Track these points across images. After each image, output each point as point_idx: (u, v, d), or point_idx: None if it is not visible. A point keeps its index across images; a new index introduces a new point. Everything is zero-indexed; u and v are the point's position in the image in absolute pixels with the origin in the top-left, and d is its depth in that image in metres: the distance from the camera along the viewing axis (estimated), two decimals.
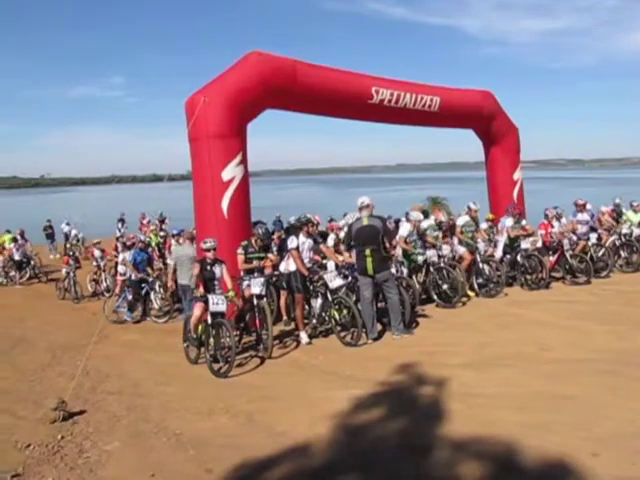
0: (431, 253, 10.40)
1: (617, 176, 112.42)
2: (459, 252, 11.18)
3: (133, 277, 11.21)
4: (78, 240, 20.31)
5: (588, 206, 13.56)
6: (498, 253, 11.55)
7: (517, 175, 15.19)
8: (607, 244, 12.88)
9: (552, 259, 12.17)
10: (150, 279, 11.34)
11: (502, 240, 11.72)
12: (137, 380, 7.07)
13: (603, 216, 13.64)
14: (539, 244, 12.00)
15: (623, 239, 13.21)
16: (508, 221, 11.83)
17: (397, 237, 10.31)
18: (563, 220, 12.61)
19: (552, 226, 12.35)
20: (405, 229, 10.48)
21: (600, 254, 12.63)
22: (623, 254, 13.18)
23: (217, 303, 7.39)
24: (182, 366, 7.65)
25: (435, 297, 10.35)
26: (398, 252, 10.13)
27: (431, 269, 10.41)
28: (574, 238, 12.33)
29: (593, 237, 12.70)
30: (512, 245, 11.65)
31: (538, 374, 6.05)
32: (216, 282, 7.74)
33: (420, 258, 10.33)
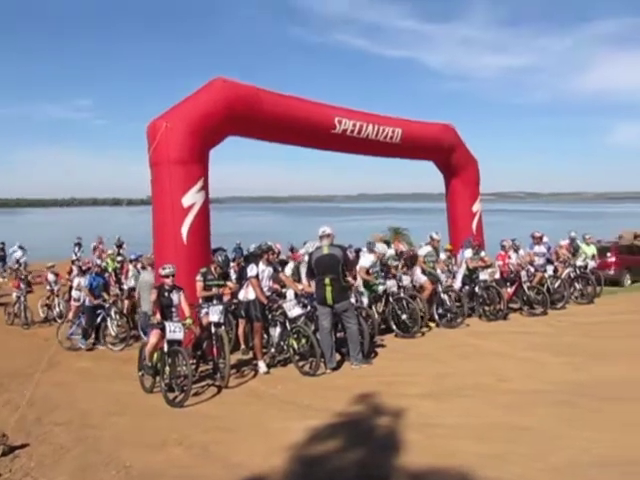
0: (391, 283, 10.45)
1: (572, 210, 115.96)
2: (420, 282, 11.26)
3: (88, 303, 10.92)
4: (20, 264, 19.51)
5: (545, 239, 13.90)
6: (457, 284, 11.71)
7: (476, 207, 15.48)
8: (563, 276, 13.21)
9: (510, 290, 12.39)
10: (106, 305, 11.07)
11: (461, 271, 11.90)
12: (88, 410, 6.81)
13: (561, 249, 14.00)
14: (497, 275, 12.21)
15: (578, 271, 13.59)
16: (467, 252, 12.02)
17: (357, 267, 10.33)
18: (521, 252, 12.88)
19: (509, 257, 12.60)
20: (367, 260, 10.52)
21: (556, 286, 12.95)
22: (578, 286, 13.55)
23: (174, 331, 7.25)
24: (136, 395, 7.43)
25: (394, 327, 10.37)
26: (359, 282, 10.14)
27: (390, 299, 10.43)
28: (531, 270, 12.60)
29: (549, 269, 13.03)
30: (471, 276, 11.83)
31: (496, 405, 6.09)
32: (173, 309, 7.60)
33: (380, 288, 10.38)
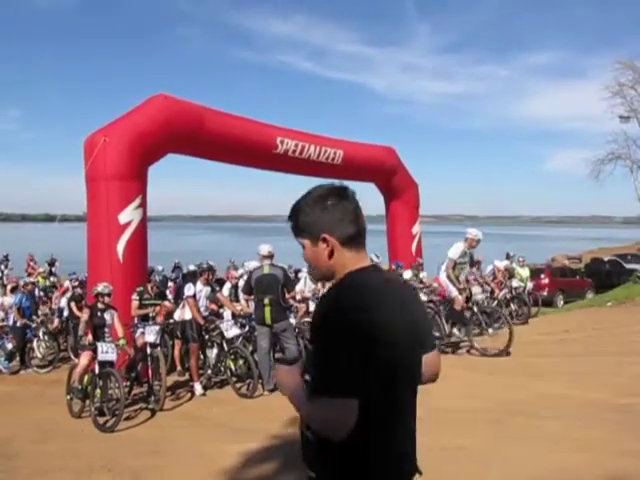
0: None
1: (509, 233, 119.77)
2: None
3: (18, 324, 10.40)
4: None
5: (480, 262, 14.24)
6: None
7: (416, 229, 15.73)
8: (499, 297, 13.56)
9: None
10: (34, 325, 10.59)
11: None
12: (7, 438, 6.38)
13: (499, 272, 14.37)
14: (434, 297, 12.40)
15: (514, 292, 14.01)
16: (406, 273, 12.17)
17: (297, 288, 10.36)
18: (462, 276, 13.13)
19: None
20: (309, 286, 10.69)
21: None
22: (513, 306, 13.94)
23: (106, 351, 7.00)
24: (63, 421, 7.10)
25: None
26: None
27: None
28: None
29: (486, 290, 13.34)
30: None
31: (430, 425, 6.06)
32: (106, 329, 7.35)
33: None
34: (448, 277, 9.58)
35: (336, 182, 1.93)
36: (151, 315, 8.31)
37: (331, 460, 1.66)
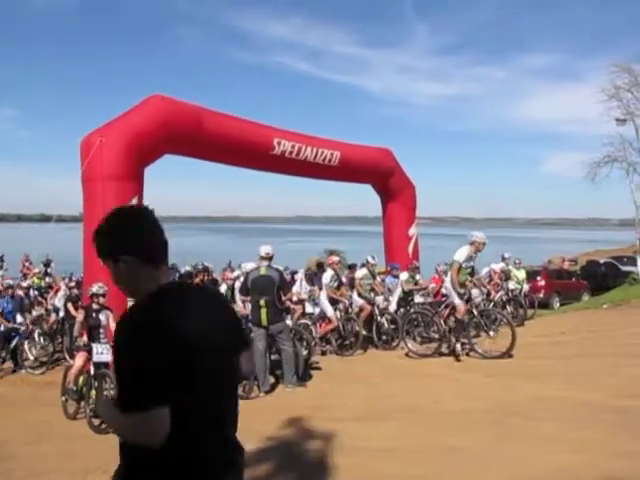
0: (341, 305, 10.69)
1: (504, 235, 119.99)
2: (358, 304, 11.30)
3: (2, 327, 10.30)
4: None
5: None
6: (392, 306, 11.80)
7: (412, 231, 15.72)
8: (495, 299, 13.55)
9: (444, 313, 12.58)
10: (22, 328, 10.48)
11: (397, 293, 12.02)
12: (2, 440, 6.30)
13: (495, 274, 14.37)
14: (431, 298, 12.42)
15: (510, 294, 14.02)
16: (403, 275, 12.17)
17: (293, 290, 10.37)
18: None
19: (443, 281, 12.83)
20: (305, 287, 10.95)
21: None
22: (510, 309, 13.94)
23: (101, 352, 6.97)
24: (58, 423, 7.05)
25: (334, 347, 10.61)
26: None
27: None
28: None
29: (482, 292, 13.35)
30: (406, 299, 11.97)
31: (430, 426, 6.11)
32: (101, 330, 7.32)
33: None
34: (452, 282, 9.39)
35: (134, 203, 2.05)
36: None
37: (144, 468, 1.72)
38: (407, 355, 10.17)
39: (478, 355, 9.49)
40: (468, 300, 9.53)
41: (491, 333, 9.80)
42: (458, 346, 9.34)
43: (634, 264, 25.33)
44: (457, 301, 9.38)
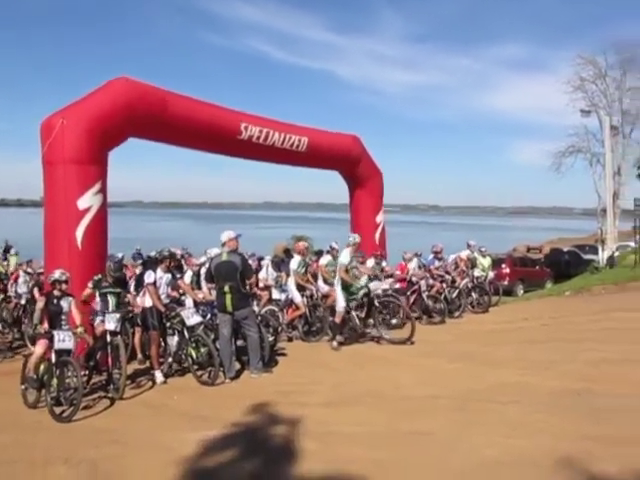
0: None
1: (472, 222, 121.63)
2: (323, 291, 11.28)
3: None
4: None
5: (443, 251, 14.39)
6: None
7: (379, 218, 15.75)
8: (461, 286, 13.72)
9: (409, 300, 12.71)
10: None
11: (363, 280, 12.03)
12: None
13: (461, 262, 14.52)
14: (397, 285, 12.50)
15: (475, 281, 14.20)
16: (369, 262, 12.20)
17: (259, 276, 10.35)
18: (414, 262, 13.25)
19: (409, 268, 12.96)
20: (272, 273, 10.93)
21: (454, 295, 13.43)
22: (475, 296, 14.13)
23: (63, 340, 6.82)
24: (17, 412, 6.90)
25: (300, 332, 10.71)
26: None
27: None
28: (430, 280, 13.01)
29: (447, 279, 13.51)
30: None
31: (394, 411, 6.16)
32: (63, 317, 7.17)
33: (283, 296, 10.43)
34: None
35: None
36: (111, 303, 8.13)
37: None
38: (374, 341, 10.24)
39: (386, 342, 9.96)
40: (368, 293, 9.96)
41: (393, 321, 10.74)
42: (335, 343, 9.83)
43: (595, 253, 25.95)
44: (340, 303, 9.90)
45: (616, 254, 24.52)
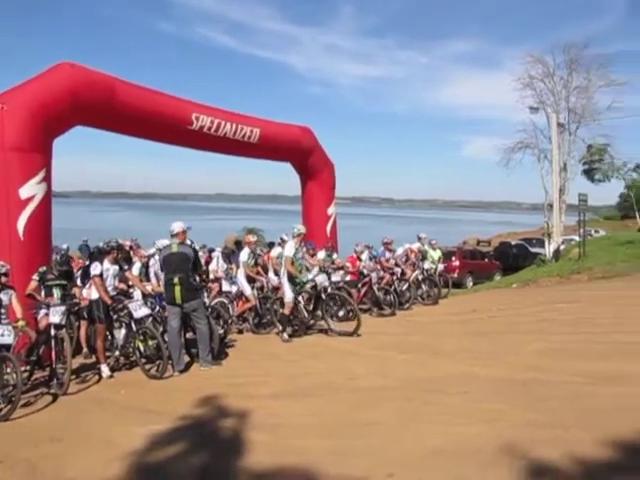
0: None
1: (423, 216, 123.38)
2: (274, 283, 11.23)
3: None
4: None
5: (393, 243, 14.53)
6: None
7: (331, 210, 15.79)
8: (411, 279, 13.88)
9: (360, 292, 12.79)
10: None
11: (313, 272, 12.05)
12: None
13: (412, 253, 14.69)
14: (348, 277, 12.56)
15: (425, 274, 14.39)
16: (320, 254, 12.20)
17: (210, 268, 10.24)
18: (365, 254, 13.33)
19: (360, 260, 13.03)
20: (222, 265, 10.91)
21: (404, 288, 13.58)
22: (425, 288, 14.33)
23: (2, 334, 6.54)
24: None
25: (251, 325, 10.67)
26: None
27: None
28: (381, 272, 13.12)
29: (397, 271, 13.64)
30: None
31: (345, 402, 6.19)
32: (2, 310, 6.90)
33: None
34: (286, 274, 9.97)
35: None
36: (56, 295, 7.90)
37: None
38: (325, 333, 10.27)
39: (334, 334, 10.11)
40: (315, 286, 10.09)
41: (340, 313, 10.91)
42: (285, 335, 9.91)
43: (542, 246, 26.70)
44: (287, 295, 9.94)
45: (562, 247, 25.28)
